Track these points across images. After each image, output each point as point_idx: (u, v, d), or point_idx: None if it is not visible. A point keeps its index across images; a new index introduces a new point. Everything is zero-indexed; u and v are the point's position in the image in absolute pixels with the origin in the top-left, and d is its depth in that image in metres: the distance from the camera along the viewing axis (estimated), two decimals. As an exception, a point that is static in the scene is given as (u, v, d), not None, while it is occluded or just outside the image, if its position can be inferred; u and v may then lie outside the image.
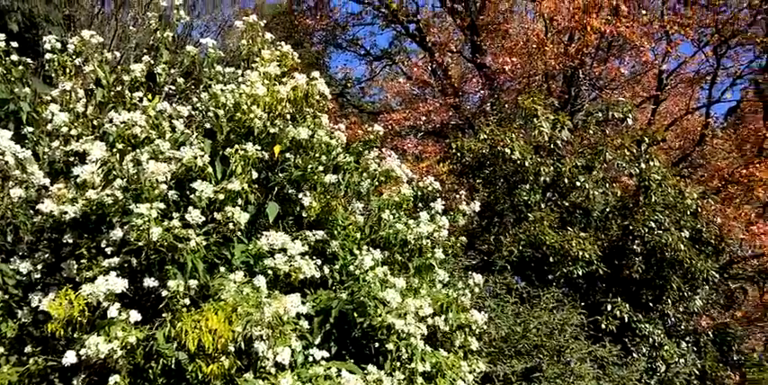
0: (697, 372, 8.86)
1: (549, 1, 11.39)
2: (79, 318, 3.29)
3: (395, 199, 5.20)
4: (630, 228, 8.73)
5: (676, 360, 8.51)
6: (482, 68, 12.62)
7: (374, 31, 16.11)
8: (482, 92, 12.45)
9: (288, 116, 4.76)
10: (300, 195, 4.45)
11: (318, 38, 16.07)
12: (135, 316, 3.33)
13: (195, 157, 3.85)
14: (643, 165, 9.12)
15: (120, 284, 3.30)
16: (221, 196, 3.82)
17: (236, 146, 4.08)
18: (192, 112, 4.57)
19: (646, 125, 12.76)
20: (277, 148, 4.51)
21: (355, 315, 4.01)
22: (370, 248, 4.50)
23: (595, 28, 11.02)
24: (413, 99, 13.70)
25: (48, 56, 4.40)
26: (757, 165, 11.48)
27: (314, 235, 4.35)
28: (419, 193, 5.88)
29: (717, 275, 9.14)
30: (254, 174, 4.05)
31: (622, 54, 13.97)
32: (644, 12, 13.09)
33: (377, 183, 5.25)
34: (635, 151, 9.36)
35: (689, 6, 14.18)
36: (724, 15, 13.61)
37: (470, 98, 13.66)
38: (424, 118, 11.51)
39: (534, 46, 11.78)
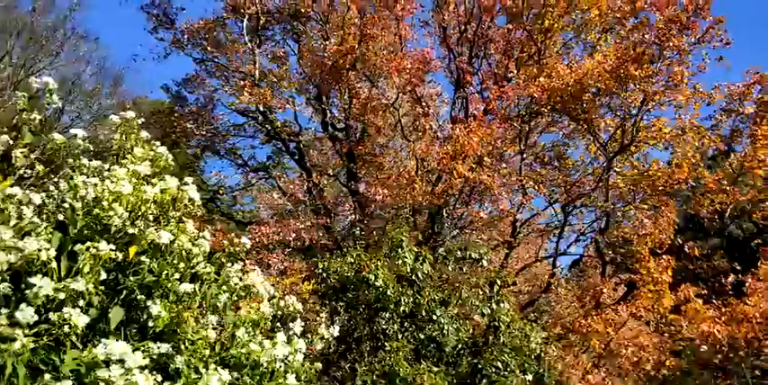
0: None
1: (422, 143, 12.33)
2: None
3: (253, 316, 4.92)
4: (479, 366, 8.87)
5: None
6: (355, 194, 13.08)
7: (254, 144, 16.35)
8: (353, 216, 12.78)
9: (151, 217, 4.50)
10: (150, 302, 4.07)
11: (197, 142, 15.95)
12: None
13: (39, 250, 3.45)
14: (494, 306, 9.53)
15: None
16: (62, 295, 3.39)
17: (89, 242, 3.73)
18: (46, 201, 4.18)
19: (499, 267, 13.54)
20: (133, 249, 4.17)
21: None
22: (219, 368, 4.12)
23: (461, 173, 11.93)
24: (285, 214, 13.74)
25: None
26: (595, 318, 12.39)
27: (158, 347, 3.92)
28: (279, 312, 5.63)
29: (555, 421, 9.36)
30: (103, 275, 3.68)
31: (483, 199, 15.13)
32: (504, 165, 14.53)
33: (236, 298, 4.97)
34: (488, 291, 9.82)
35: (543, 166, 16.02)
36: (572, 178, 15.43)
37: (342, 220, 13.96)
38: (294, 234, 11.48)
39: (405, 181, 12.46)
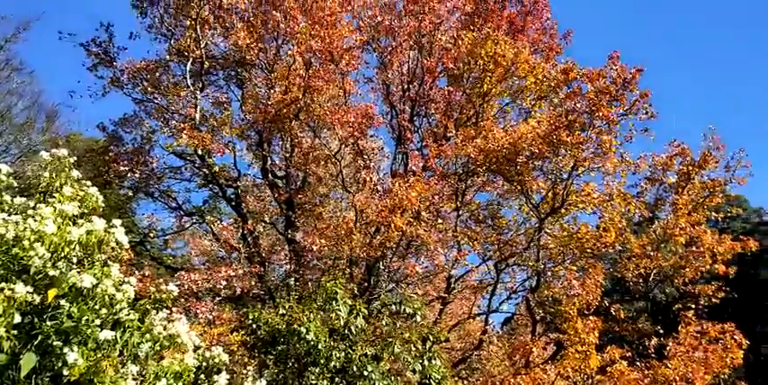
0: None
1: (362, 195, 12.40)
2: None
3: (176, 367, 4.68)
4: (408, 426, 8.65)
5: None
6: (292, 243, 12.89)
7: (191, 187, 15.97)
8: (288, 266, 12.55)
9: (74, 260, 4.30)
10: (67, 349, 3.81)
11: (130, 183, 15.45)
12: None
13: (-55, 289, 3.20)
14: (426, 363, 9.41)
15: None
16: (-34, 339, 3.13)
17: (4, 283, 3.50)
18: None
19: (433, 323, 13.49)
20: (52, 293, 3.94)
21: None
22: (135, 423, 3.87)
23: (399, 227, 12.01)
24: (217, 261, 13.33)
25: None
26: (524, 376, 12.42)
27: (71, 399, 3.65)
28: (204, 364, 5.38)
29: None
30: (17, 318, 3.44)
31: (419, 254, 15.21)
32: (440, 221, 14.74)
33: (159, 348, 4.73)
34: (420, 347, 9.71)
35: (478, 224, 16.35)
36: (505, 237, 15.79)
37: (276, 270, 13.68)
38: (224, 282, 11.11)
39: (343, 232, 12.42)
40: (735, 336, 13.45)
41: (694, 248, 15.17)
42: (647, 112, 13.85)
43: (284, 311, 8.32)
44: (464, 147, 14.08)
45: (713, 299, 15.17)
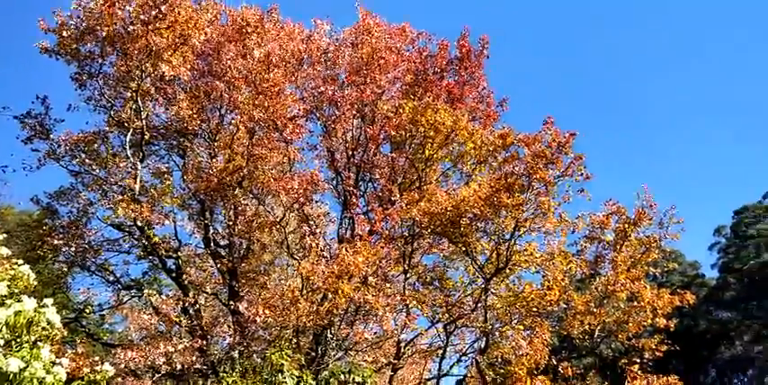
0: None
1: (308, 262, 12.29)
2: None
3: (109, 456, 4.43)
4: None
5: None
6: (235, 314, 12.52)
7: (129, 259, 15.42)
8: (232, 338, 12.11)
9: (1, 342, 4.11)
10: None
11: (66, 257, 14.81)
12: None
13: None
14: (378, 434, 9.15)
15: None
16: None
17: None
18: None
19: (383, 391, 13.18)
20: (-25, 380, 3.73)
21: None
22: None
23: (346, 293, 11.90)
24: (157, 335, 12.74)
25: None
26: (477, 441, 12.17)
27: None
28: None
29: None
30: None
31: (368, 319, 15.01)
32: (388, 285, 14.69)
33: (92, 435, 4.48)
34: (372, 417, 9.44)
35: (426, 286, 16.39)
36: (453, 299, 15.83)
37: (220, 342, 13.15)
38: (164, 358, 10.58)
39: (288, 301, 12.19)
40: (679, 388, 13.65)
41: (635, 303, 15.53)
42: (582, 174, 14.46)
43: (228, 387, 7.99)
44: (409, 211, 14.30)
45: (657, 353, 15.40)
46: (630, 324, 15.50)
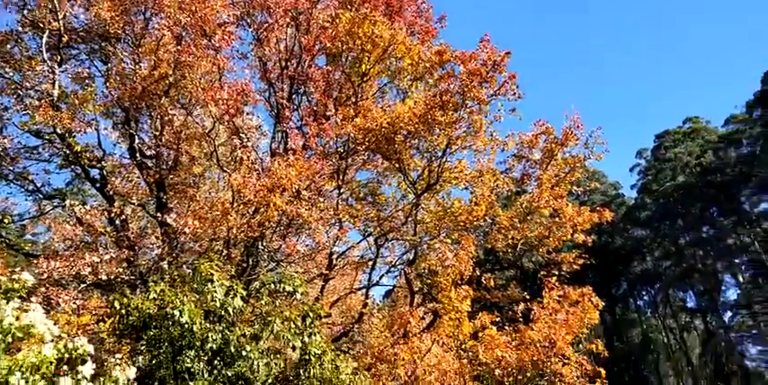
0: None
1: (239, 175, 12.12)
2: None
3: (32, 360, 4.45)
4: (288, 401, 8.75)
5: None
6: (164, 226, 12.38)
7: (50, 168, 14.74)
8: (161, 249, 12.03)
9: None
10: None
11: (-19, 164, 14.01)
12: None
13: None
14: (306, 339, 9.52)
15: None
16: None
17: None
18: None
19: (315, 300, 13.63)
20: None
21: None
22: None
23: (278, 206, 11.91)
24: (82, 246, 12.50)
25: None
26: (402, 346, 12.93)
27: None
28: (66, 355, 5.14)
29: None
30: None
31: (300, 232, 15.21)
32: (321, 199, 14.81)
33: (11, 340, 4.47)
34: (300, 324, 9.79)
35: (359, 202, 16.63)
36: (384, 214, 16.20)
37: (148, 254, 13.06)
38: (89, 269, 10.46)
39: (219, 213, 12.13)
40: (592, 299, 14.69)
41: (557, 219, 16.37)
42: (514, 93, 14.63)
43: (156, 295, 8.05)
44: (344, 126, 14.19)
45: (574, 266, 16.45)
46: (551, 239, 16.41)
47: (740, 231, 50.71)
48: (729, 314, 52.19)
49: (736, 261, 50.19)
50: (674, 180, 55.13)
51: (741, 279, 49.26)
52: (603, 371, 13.59)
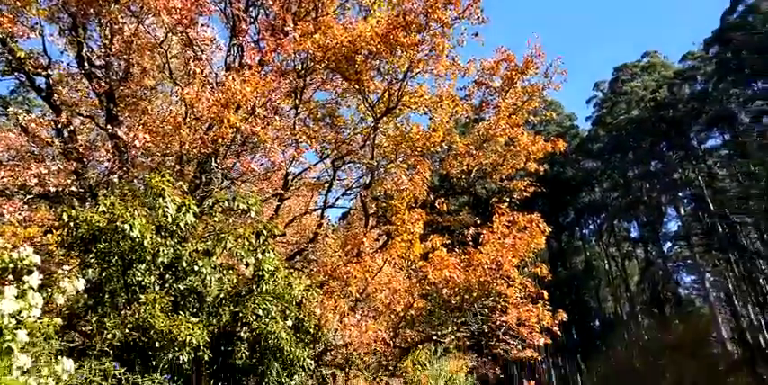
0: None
1: (192, 89, 11.68)
2: None
3: (-28, 268, 4.41)
4: (240, 314, 9.00)
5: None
6: (114, 138, 12.01)
7: (-7, 76, 13.89)
8: (111, 162, 11.72)
9: None
10: None
11: None
12: None
13: None
14: (260, 256, 9.66)
15: None
16: None
17: None
18: None
19: (269, 219, 13.70)
20: None
21: None
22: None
23: (232, 123, 11.64)
24: (28, 156, 12.05)
25: None
26: (354, 265, 13.29)
27: None
28: (12, 265, 5.11)
29: (312, 362, 9.94)
30: None
31: (255, 151, 15.01)
32: (278, 118, 14.53)
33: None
34: (254, 242, 9.89)
35: (316, 122, 16.41)
36: (342, 136, 16.08)
37: (97, 166, 12.71)
38: (36, 180, 10.15)
39: (171, 127, 11.80)
40: (539, 225, 15.20)
41: (512, 148, 16.60)
42: (478, 18, 14.29)
43: (105, 209, 7.95)
44: (303, 43, 13.70)
45: (525, 193, 16.86)
46: (505, 166, 16.70)
47: (686, 166, 52.61)
48: (669, 245, 55.20)
49: (680, 194, 52.38)
50: (628, 113, 56.08)
51: (682, 212, 51.64)
52: (546, 294, 14.30)
